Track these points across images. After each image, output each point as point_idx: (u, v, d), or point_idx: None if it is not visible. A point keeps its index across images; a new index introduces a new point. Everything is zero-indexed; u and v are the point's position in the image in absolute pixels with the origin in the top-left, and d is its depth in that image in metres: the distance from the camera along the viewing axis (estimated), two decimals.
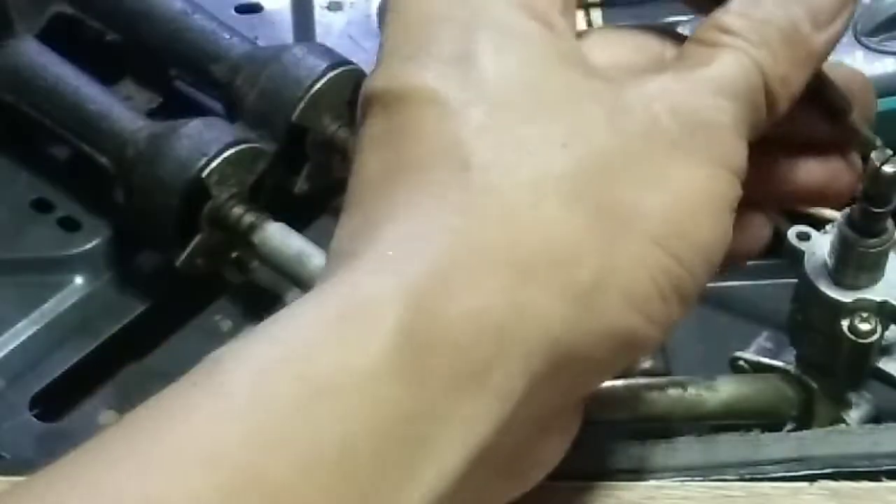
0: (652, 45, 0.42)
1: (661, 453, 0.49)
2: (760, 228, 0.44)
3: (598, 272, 0.36)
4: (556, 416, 0.39)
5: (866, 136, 0.45)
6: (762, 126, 0.40)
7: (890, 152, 0.48)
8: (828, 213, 0.59)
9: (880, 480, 0.44)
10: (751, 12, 0.39)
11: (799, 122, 0.42)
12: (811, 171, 0.44)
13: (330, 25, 0.80)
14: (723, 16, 0.40)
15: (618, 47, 0.42)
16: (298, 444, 0.32)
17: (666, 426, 0.54)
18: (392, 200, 0.36)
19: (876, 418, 0.57)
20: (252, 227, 0.65)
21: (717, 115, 0.39)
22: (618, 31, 0.43)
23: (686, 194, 0.38)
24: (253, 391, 0.33)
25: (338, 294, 0.35)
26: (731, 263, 0.43)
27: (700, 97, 0.38)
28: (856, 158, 0.45)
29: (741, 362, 0.58)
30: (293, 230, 0.66)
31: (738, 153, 0.39)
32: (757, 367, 0.57)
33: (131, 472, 0.31)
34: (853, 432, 0.50)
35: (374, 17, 0.80)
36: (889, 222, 0.50)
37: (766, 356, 0.58)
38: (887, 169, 0.48)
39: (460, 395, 0.34)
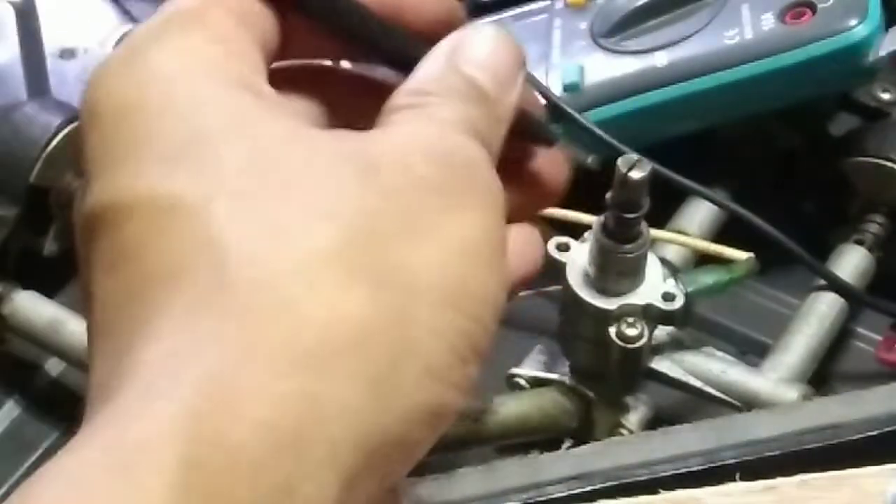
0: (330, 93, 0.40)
1: (442, 487, 0.48)
2: (531, 246, 0.42)
3: (392, 349, 0.33)
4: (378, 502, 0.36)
5: (576, 153, 0.44)
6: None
7: (635, 157, 0.48)
8: (585, 218, 0.59)
9: (657, 492, 0.44)
10: (440, 79, 0.38)
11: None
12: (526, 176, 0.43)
13: (64, 74, 0.77)
14: (414, 83, 0.38)
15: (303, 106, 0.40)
16: None
17: (448, 455, 0.53)
18: (144, 321, 0.32)
19: (655, 419, 0.57)
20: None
21: (471, 153, 0.37)
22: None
23: (460, 245, 0.35)
24: None
25: (106, 438, 0.31)
26: (517, 291, 0.42)
27: (448, 138, 0.36)
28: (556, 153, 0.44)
29: (517, 379, 0.58)
30: (43, 297, 0.64)
31: (498, 189, 0.38)
32: (533, 382, 0.57)
33: None
34: (631, 442, 0.49)
35: None
36: (643, 226, 0.50)
37: (540, 369, 0.58)
38: (634, 175, 0.48)
39: None
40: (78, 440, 0.31)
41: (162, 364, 0.31)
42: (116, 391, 0.32)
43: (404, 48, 0.39)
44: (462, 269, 0.35)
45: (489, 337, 0.36)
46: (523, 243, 0.41)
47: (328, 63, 0.42)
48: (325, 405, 0.32)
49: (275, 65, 0.39)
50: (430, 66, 0.38)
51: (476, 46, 0.39)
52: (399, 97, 0.38)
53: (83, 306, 0.35)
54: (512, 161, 0.40)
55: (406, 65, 0.39)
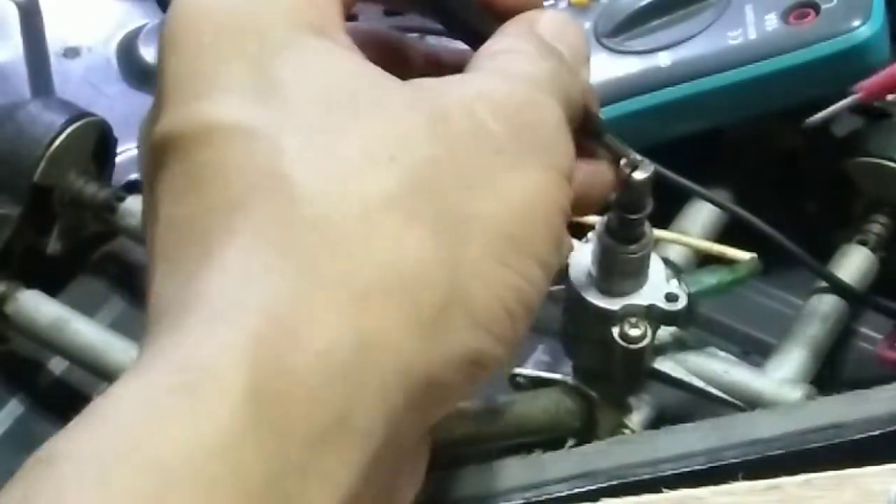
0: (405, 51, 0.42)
1: (444, 486, 0.48)
2: (601, 169, 0.43)
3: (441, 295, 0.34)
4: (409, 452, 0.37)
5: (622, 151, 0.44)
6: (574, 127, 0.39)
7: (640, 158, 0.48)
8: (588, 218, 0.59)
9: (660, 491, 0.44)
10: (525, 39, 0.39)
11: None
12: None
13: (68, 73, 0.77)
14: (502, 35, 0.40)
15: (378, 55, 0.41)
16: None
17: (451, 455, 0.53)
18: (210, 249, 0.33)
19: (658, 419, 0.57)
20: (3, 298, 0.63)
21: (542, 114, 0.37)
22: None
23: (519, 203, 0.36)
24: (99, 494, 0.29)
25: (172, 361, 0.31)
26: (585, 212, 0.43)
27: (521, 96, 0.37)
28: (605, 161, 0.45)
29: (520, 378, 0.58)
30: (47, 296, 0.64)
31: (566, 153, 0.38)
32: (536, 382, 0.57)
33: None
34: (634, 441, 0.49)
35: (114, 62, 0.78)
36: (646, 226, 0.50)
37: (543, 369, 0.58)
38: (637, 176, 0.48)
39: (323, 443, 0.32)
40: (144, 362, 0.32)
41: (226, 293, 0.32)
42: (180, 316, 0.32)
43: (481, 23, 0.40)
44: (514, 227, 0.36)
45: (539, 296, 0.37)
46: (593, 171, 0.43)
47: (406, 35, 0.44)
48: (376, 342, 0.33)
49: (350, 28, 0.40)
50: (514, 28, 0.40)
51: (554, 22, 0.40)
52: (485, 50, 0.39)
53: (146, 229, 0.36)
54: None
55: (480, 39, 0.40)
